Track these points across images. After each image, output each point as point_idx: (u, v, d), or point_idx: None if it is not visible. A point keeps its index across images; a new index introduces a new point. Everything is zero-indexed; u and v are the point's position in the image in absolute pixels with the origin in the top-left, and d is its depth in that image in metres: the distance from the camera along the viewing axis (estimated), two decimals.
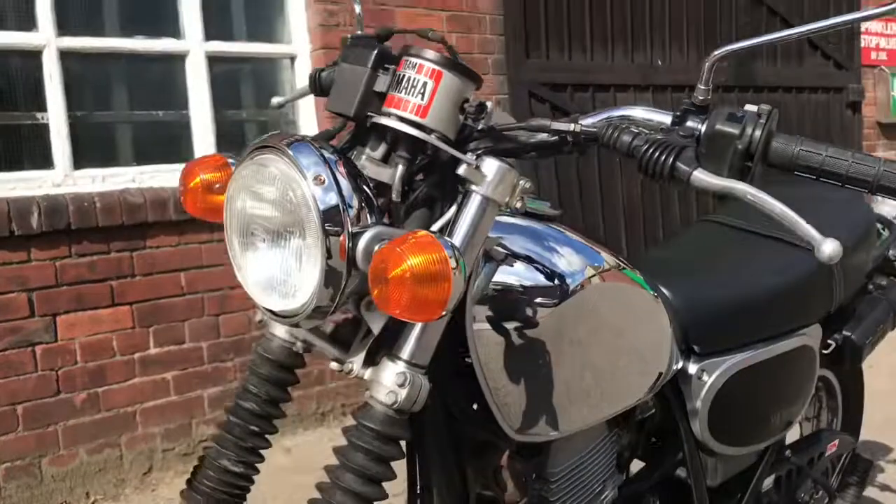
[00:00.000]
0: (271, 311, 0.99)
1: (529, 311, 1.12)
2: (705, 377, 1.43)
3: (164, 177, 3.33)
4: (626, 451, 1.43)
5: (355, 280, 0.93)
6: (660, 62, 4.83)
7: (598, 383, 1.22)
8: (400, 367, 0.96)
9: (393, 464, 0.99)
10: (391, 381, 0.95)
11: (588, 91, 4.51)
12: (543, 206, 1.19)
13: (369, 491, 0.96)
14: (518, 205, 1.01)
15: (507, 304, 1.11)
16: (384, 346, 0.99)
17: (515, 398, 1.13)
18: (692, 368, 1.43)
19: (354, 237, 0.92)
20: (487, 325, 1.10)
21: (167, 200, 3.21)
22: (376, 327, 0.99)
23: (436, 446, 1.19)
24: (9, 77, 3.09)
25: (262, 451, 1.12)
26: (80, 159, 3.19)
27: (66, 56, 3.14)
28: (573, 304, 1.16)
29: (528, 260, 1.14)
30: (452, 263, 0.86)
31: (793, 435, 1.84)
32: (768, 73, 5.46)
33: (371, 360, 1.00)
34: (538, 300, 1.13)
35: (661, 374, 1.34)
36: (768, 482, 1.70)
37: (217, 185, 1.07)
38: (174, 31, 3.39)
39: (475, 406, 1.16)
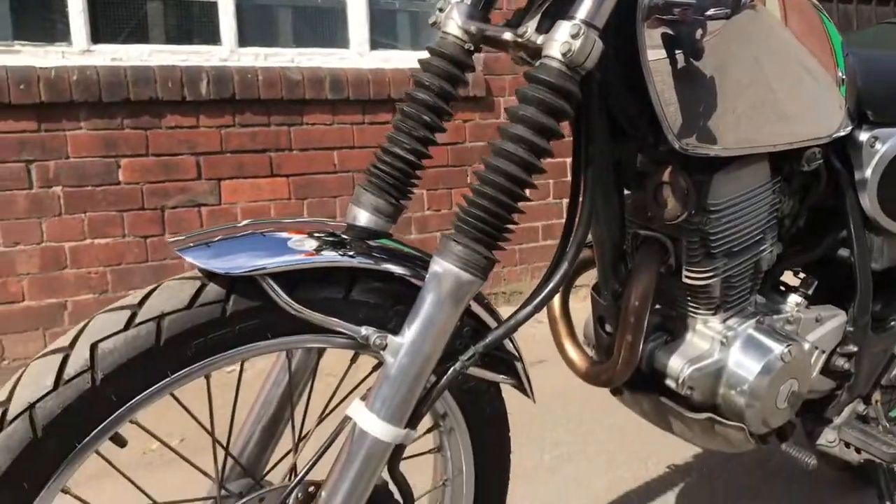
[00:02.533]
0: None
1: (701, 23, 1.11)
2: (878, 145, 1.38)
3: (320, 59, 3.46)
4: (788, 220, 1.40)
5: None
6: None
7: (767, 107, 1.20)
8: (575, 21, 0.97)
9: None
10: (565, 35, 0.96)
11: None
12: None
13: (537, 140, 0.97)
14: None
15: (679, 13, 1.10)
16: (559, 15, 1.01)
17: (683, 108, 1.12)
18: (863, 136, 1.38)
19: None
20: (657, 35, 1.10)
21: (323, 80, 3.33)
22: None
23: (598, 168, 1.19)
24: None
25: (430, 148, 1.15)
26: (245, 38, 3.35)
27: None
28: (748, 17, 1.14)
29: None
30: None
31: None
32: None
33: (546, 29, 1.02)
34: (711, 11, 1.12)
35: (831, 122, 1.30)
36: None
37: None
38: None
39: (643, 117, 1.16)
